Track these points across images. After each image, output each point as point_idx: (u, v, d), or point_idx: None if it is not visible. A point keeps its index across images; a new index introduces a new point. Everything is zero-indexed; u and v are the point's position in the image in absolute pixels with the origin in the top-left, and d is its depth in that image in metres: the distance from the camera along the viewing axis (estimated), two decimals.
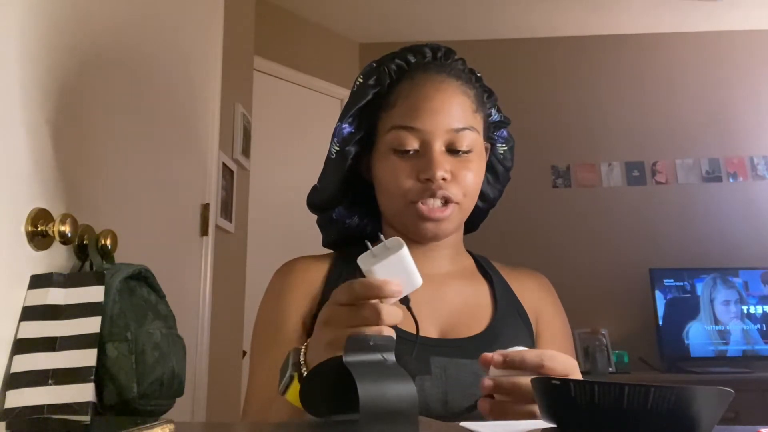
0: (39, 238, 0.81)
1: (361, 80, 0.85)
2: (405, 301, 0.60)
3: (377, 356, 0.52)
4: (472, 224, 0.94)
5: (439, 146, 0.78)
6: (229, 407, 1.91)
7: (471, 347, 0.77)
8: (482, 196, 0.89)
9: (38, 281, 0.80)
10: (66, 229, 0.83)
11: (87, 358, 0.76)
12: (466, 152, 0.79)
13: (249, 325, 2.05)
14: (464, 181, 0.79)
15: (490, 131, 0.88)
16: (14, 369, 0.74)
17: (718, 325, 2.88)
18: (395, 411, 0.48)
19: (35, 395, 0.73)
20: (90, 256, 0.89)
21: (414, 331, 0.62)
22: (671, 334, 2.85)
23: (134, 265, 0.90)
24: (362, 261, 0.58)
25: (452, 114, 0.79)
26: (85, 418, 0.70)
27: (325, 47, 3.33)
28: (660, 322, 2.87)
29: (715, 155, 3.30)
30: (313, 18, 3.26)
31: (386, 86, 0.83)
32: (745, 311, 2.90)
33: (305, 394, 0.54)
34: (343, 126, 0.85)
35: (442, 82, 0.81)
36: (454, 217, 0.80)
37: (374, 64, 0.85)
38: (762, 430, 0.46)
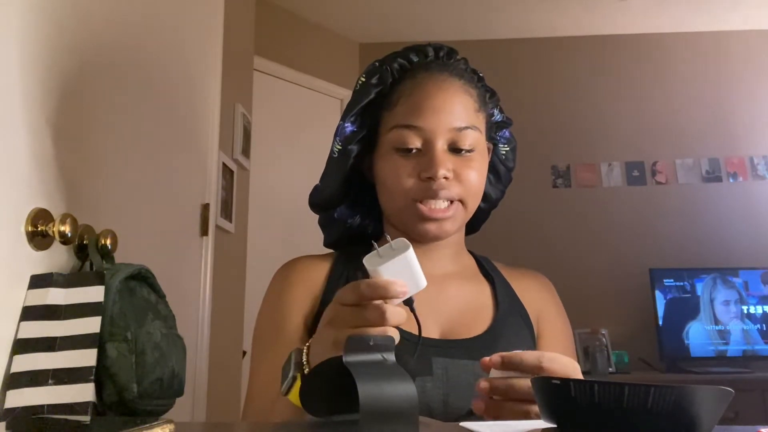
0: (39, 238, 0.81)
1: (363, 79, 0.85)
2: (409, 302, 0.59)
3: (377, 356, 0.52)
4: (473, 225, 0.94)
5: (441, 145, 0.78)
6: (229, 407, 1.91)
7: (472, 348, 0.76)
8: (484, 196, 0.89)
9: (38, 281, 0.80)
10: (66, 229, 0.83)
11: (87, 358, 0.76)
12: (469, 151, 0.79)
13: (249, 325, 2.05)
14: (467, 180, 0.79)
15: (493, 131, 0.88)
16: (14, 369, 0.74)
17: (718, 325, 2.88)
18: (395, 411, 0.48)
19: (35, 395, 0.73)
20: (90, 256, 0.89)
21: (416, 332, 0.62)
22: (671, 334, 2.85)
23: (134, 265, 0.90)
24: (368, 261, 0.59)
25: (454, 113, 0.79)
26: (85, 418, 0.70)
27: (325, 47, 3.33)
28: (660, 322, 2.87)
29: (715, 155, 3.30)
30: (313, 18, 3.26)
31: (389, 85, 0.83)
32: (745, 311, 2.90)
33: (305, 394, 0.54)
34: (346, 125, 0.85)
35: (445, 81, 0.81)
36: (457, 217, 0.80)
37: (377, 64, 0.85)
38: (762, 430, 0.46)
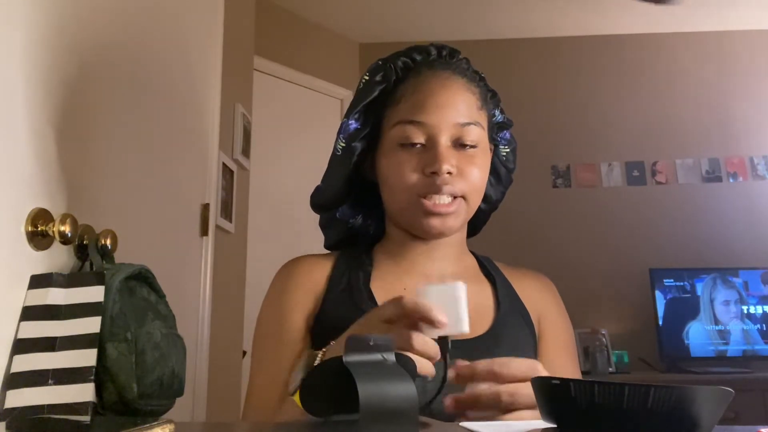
0: (39, 238, 0.81)
1: (367, 77, 0.85)
2: (444, 342, 0.60)
3: (377, 356, 0.52)
4: (473, 227, 0.94)
5: (444, 140, 0.78)
6: (229, 407, 1.91)
7: (473, 348, 0.76)
8: (485, 197, 0.89)
9: (38, 281, 0.80)
10: (66, 229, 0.83)
11: (87, 358, 0.76)
12: (472, 147, 0.79)
13: (249, 325, 2.05)
14: (470, 176, 0.79)
15: (493, 132, 0.88)
16: (14, 369, 0.74)
17: (718, 325, 2.88)
18: (395, 411, 0.48)
19: (35, 395, 0.73)
20: (90, 256, 0.89)
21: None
22: (671, 334, 2.85)
23: (134, 265, 0.90)
24: (423, 288, 0.61)
25: (458, 109, 0.79)
26: (85, 418, 0.70)
27: (325, 47, 3.33)
28: (660, 322, 2.87)
29: (715, 155, 3.30)
30: (313, 18, 3.26)
31: (392, 83, 0.83)
32: (745, 311, 2.90)
33: (305, 394, 0.54)
34: (350, 122, 0.85)
35: (448, 79, 0.81)
36: (460, 213, 0.80)
37: (380, 62, 0.85)
38: (762, 430, 0.46)
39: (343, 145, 0.85)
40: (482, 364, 0.59)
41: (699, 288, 2.92)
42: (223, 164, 1.88)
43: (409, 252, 0.85)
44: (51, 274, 0.81)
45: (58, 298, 0.79)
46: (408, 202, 0.79)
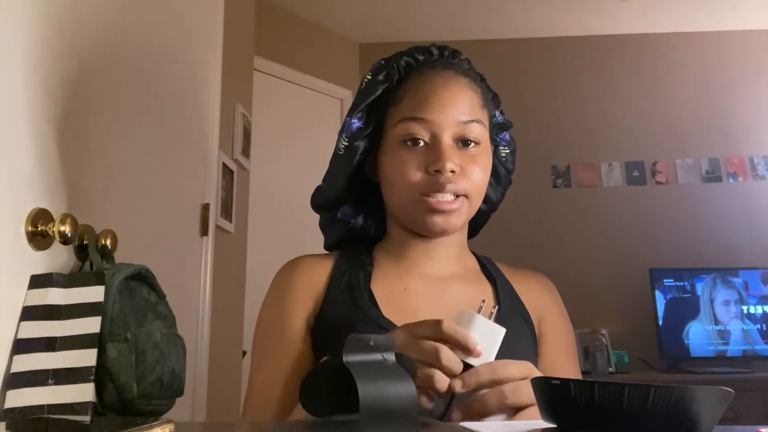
0: (39, 238, 0.81)
1: (369, 77, 0.85)
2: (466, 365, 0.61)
3: (377, 356, 0.52)
4: (473, 228, 0.94)
5: (447, 139, 0.78)
6: (229, 407, 1.91)
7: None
8: (485, 198, 0.89)
9: (38, 281, 0.80)
10: (66, 229, 0.83)
11: (87, 358, 0.76)
12: (475, 144, 0.79)
13: (249, 325, 2.05)
14: (472, 175, 0.79)
15: (494, 133, 0.88)
16: (14, 369, 0.74)
17: (718, 325, 2.88)
18: (395, 411, 0.48)
19: (35, 395, 0.73)
20: (90, 256, 0.89)
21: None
22: (671, 334, 2.85)
23: (134, 265, 0.90)
24: (465, 311, 0.63)
25: (461, 107, 0.79)
26: (85, 418, 0.70)
27: (325, 47, 3.33)
28: (660, 322, 2.87)
29: (715, 155, 3.30)
30: (313, 18, 3.26)
31: (395, 82, 0.83)
32: (745, 311, 2.90)
33: (305, 394, 0.54)
34: (353, 121, 0.85)
35: (450, 78, 0.81)
36: (462, 211, 0.80)
37: (383, 61, 0.86)
38: (762, 430, 0.46)
39: (346, 144, 0.85)
40: (484, 372, 0.60)
41: (699, 288, 2.92)
42: (223, 164, 1.88)
43: (410, 252, 0.85)
44: (51, 274, 0.81)
45: (58, 298, 0.79)
46: (411, 200, 0.79)
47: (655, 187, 3.28)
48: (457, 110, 0.79)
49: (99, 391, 0.78)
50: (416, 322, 0.63)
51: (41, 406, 0.72)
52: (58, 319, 0.78)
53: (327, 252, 0.94)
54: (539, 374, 0.61)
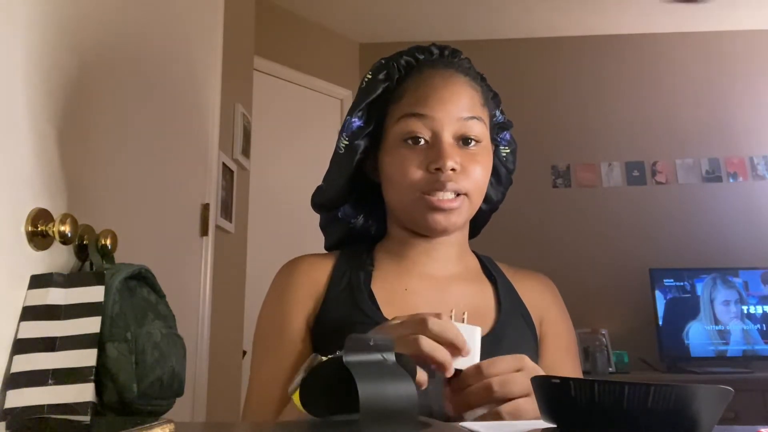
0: (39, 238, 0.81)
1: (370, 76, 0.85)
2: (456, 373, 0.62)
3: (377, 356, 0.52)
4: (474, 228, 0.94)
5: (448, 137, 0.78)
6: (229, 407, 1.91)
7: None
8: (485, 198, 0.89)
9: (38, 281, 0.80)
10: (66, 229, 0.83)
11: (87, 358, 0.76)
12: (476, 143, 0.79)
13: (249, 325, 2.05)
14: (473, 174, 0.79)
15: (494, 133, 0.88)
16: (14, 369, 0.74)
17: (718, 325, 2.88)
18: (395, 411, 0.48)
19: (35, 395, 0.73)
20: (90, 256, 0.89)
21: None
22: (671, 334, 2.85)
23: (134, 265, 0.90)
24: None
25: (461, 104, 0.79)
26: (85, 418, 0.70)
27: (325, 47, 3.33)
28: (660, 322, 2.87)
29: (715, 155, 3.30)
30: (313, 18, 3.26)
31: (395, 81, 0.83)
32: (745, 311, 2.90)
33: (305, 394, 0.54)
34: (353, 120, 0.85)
35: (451, 76, 0.81)
36: (463, 210, 0.80)
37: (383, 61, 0.86)
38: (762, 430, 0.46)
39: (346, 143, 0.85)
40: (471, 376, 0.60)
41: (699, 288, 2.92)
42: (223, 164, 1.88)
43: (410, 251, 0.85)
44: (51, 274, 0.81)
45: (58, 298, 0.79)
46: (412, 198, 0.79)
47: (655, 187, 3.28)
48: (457, 107, 0.79)
49: (99, 391, 0.78)
50: (400, 324, 0.62)
51: (41, 406, 0.72)
52: (58, 319, 0.78)
53: (327, 252, 0.94)
54: (532, 364, 0.62)
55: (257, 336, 0.83)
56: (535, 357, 0.82)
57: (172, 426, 0.48)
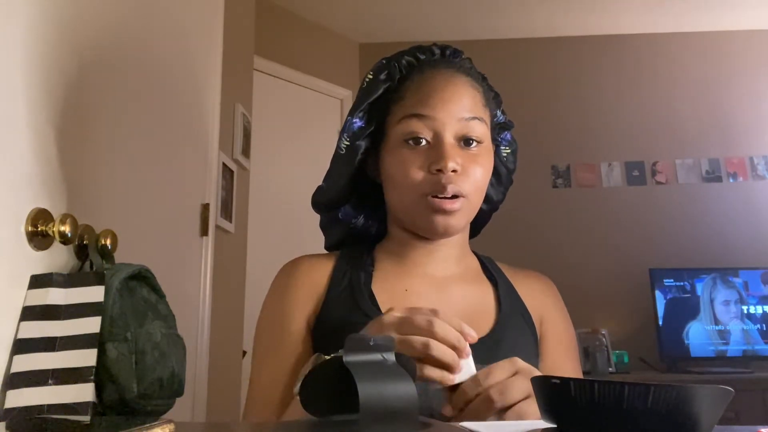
0: (39, 238, 0.81)
1: (371, 76, 0.85)
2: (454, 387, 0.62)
3: (377, 356, 0.52)
4: (474, 228, 0.94)
5: (449, 137, 0.78)
6: (229, 407, 1.91)
7: (474, 350, 0.76)
8: (486, 198, 0.88)
9: (38, 281, 0.80)
10: (66, 229, 0.83)
11: (87, 358, 0.76)
12: (477, 143, 0.79)
13: (249, 325, 2.05)
14: (474, 175, 0.78)
15: (495, 133, 0.88)
16: (14, 369, 0.74)
17: (718, 325, 2.88)
18: (395, 411, 0.48)
19: (35, 395, 0.73)
20: (90, 256, 0.89)
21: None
22: (671, 334, 2.85)
23: (134, 265, 0.90)
24: None
25: (463, 104, 0.79)
26: (85, 418, 0.70)
27: (325, 47, 3.33)
28: (660, 322, 2.87)
29: (715, 155, 3.30)
30: (313, 18, 3.26)
31: (396, 81, 0.83)
32: (745, 311, 2.90)
33: (305, 394, 0.54)
34: (354, 120, 0.84)
35: (452, 76, 0.81)
36: (463, 212, 0.79)
37: (384, 61, 0.85)
38: (762, 430, 0.46)
39: (347, 143, 0.85)
40: (470, 389, 0.59)
41: (699, 288, 2.92)
42: (223, 164, 1.88)
43: (411, 252, 0.85)
44: (51, 274, 0.81)
45: (58, 298, 0.79)
46: (413, 200, 0.79)
47: (655, 187, 3.28)
48: (459, 107, 0.79)
49: (99, 391, 0.78)
50: (399, 322, 0.62)
51: (41, 406, 0.72)
52: (58, 319, 0.78)
53: (327, 252, 0.93)
54: (526, 365, 0.61)
55: (257, 336, 0.83)
56: (535, 357, 0.82)
57: (172, 426, 0.48)
